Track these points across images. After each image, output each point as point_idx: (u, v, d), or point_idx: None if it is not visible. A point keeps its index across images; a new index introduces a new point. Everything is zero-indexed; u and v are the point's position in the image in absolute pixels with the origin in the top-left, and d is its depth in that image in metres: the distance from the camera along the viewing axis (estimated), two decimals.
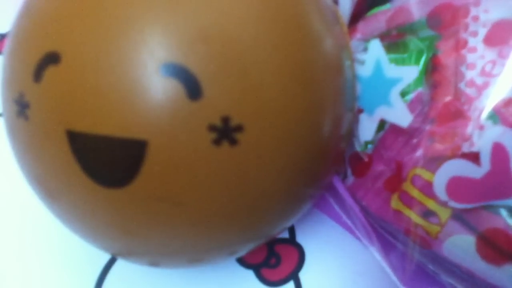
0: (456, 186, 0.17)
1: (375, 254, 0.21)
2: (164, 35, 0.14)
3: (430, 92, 0.18)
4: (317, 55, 0.16)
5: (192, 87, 0.14)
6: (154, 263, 0.19)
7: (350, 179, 0.21)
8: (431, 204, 0.18)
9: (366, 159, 0.20)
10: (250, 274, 0.25)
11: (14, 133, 0.17)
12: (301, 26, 0.16)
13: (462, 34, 0.17)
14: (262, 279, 0.25)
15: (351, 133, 0.20)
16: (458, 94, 0.17)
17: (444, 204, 0.18)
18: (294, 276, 0.25)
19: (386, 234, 0.21)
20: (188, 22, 0.14)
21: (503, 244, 0.17)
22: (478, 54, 0.17)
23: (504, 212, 0.17)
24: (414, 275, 0.20)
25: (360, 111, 0.19)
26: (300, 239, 0.26)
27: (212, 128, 0.14)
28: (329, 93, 0.16)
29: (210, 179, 0.14)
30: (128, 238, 0.16)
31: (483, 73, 0.17)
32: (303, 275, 0.25)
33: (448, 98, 0.17)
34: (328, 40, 0.17)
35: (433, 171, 0.17)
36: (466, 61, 0.17)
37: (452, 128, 0.17)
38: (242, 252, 0.20)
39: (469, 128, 0.17)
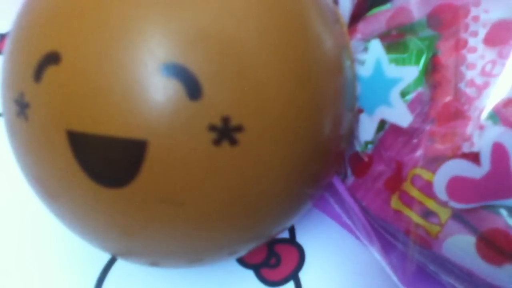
0: (456, 186, 0.17)
1: (375, 254, 0.21)
2: (165, 35, 0.14)
3: (430, 92, 0.18)
4: (317, 55, 0.16)
5: (192, 87, 0.14)
6: (154, 263, 0.19)
7: (350, 179, 0.21)
8: (431, 204, 0.18)
9: (366, 159, 0.20)
10: (250, 274, 0.25)
11: (14, 133, 0.17)
12: (301, 26, 0.16)
13: (462, 34, 0.17)
14: (262, 279, 0.25)
15: (351, 133, 0.20)
16: (458, 94, 0.17)
17: (444, 204, 0.18)
18: (294, 276, 0.25)
19: (386, 234, 0.21)
20: (188, 22, 0.14)
21: (503, 244, 0.17)
22: (478, 54, 0.17)
23: (504, 212, 0.17)
24: (414, 275, 0.20)
25: (360, 111, 0.19)
26: (300, 239, 0.26)
27: (212, 128, 0.14)
28: (329, 93, 0.16)
29: (210, 179, 0.14)
30: (128, 238, 0.16)
31: (483, 73, 0.17)
32: (303, 275, 0.25)
33: (448, 98, 0.17)
34: (328, 40, 0.17)
35: (433, 171, 0.17)
36: (466, 61, 0.17)
37: (452, 128, 0.17)
38: (242, 252, 0.20)
39: (469, 128, 0.17)
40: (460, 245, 0.18)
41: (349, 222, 0.23)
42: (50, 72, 0.15)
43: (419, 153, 0.18)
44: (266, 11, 0.15)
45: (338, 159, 0.19)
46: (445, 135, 0.17)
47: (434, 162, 0.17)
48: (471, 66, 0.17)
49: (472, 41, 0.17)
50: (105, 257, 0.25)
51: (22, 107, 0.16)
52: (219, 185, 0.15)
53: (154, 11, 0.14)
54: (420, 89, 0.18)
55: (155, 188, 0.14)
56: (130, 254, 0.18)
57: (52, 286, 0.25)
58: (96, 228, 0.17)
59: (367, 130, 0.19)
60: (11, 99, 0.16)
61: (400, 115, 0.18)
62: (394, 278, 0.21)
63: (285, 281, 0.25)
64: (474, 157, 0.16)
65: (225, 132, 0.14)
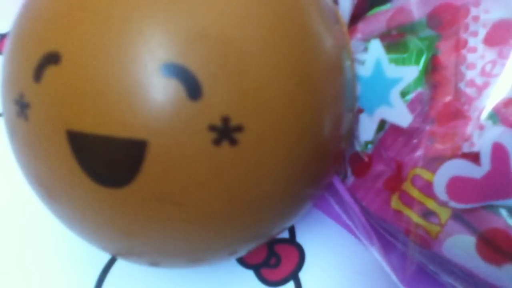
0: (456, 186, 0.17)
1: (375, 254, 0.21)
2: (164, 35, 0.14)
3: (430, 92, 0.18)
4: (317, 55, 0.16)
5: (192, 87, 0.14)
6: (154, 263, 0.19)
7: (350, 179, 0.21)
8: (431, 204, 0.18)
9: (366, 159, 0.20)
10: (250, 274, 0.25)
11: (14, 133, 0.17)
12: (301, 26, 0.16)
13: (462, 34, 0.17)
14: (262, 279, 0.25)
15: (351, 133, 0.20)
16: (458, 94, 0.17)
17: (444, 204, 0.18)
18: (294, 276, 0.25)
19: (386, 234, 0.21)
20: (188, 22, 0.14)
21: (503, 244, 0.17)
22: (478, 54, 0.17)
23: (504, 212, 0.17)
24: (414, 275, 0.20)
25: (360, 111, 0.19)
26: (300, 239, 0.26)
27: (212, 128, 0.14)
28: (329, 93, 0.16)
29: (210, 179, 0.14)
30: (128, 238, 0.16)
31: (483, 73, 0.17)
32: (303, 275, 0.25)
33: (448, 98, 0.17)
34: (328, 40, 0.17)
35: (433, 171, 0.17)
36: (466, 61, 0.17)
37: (452, 128, 0.17)
38: (242, 252, 0.20)
39: (469, 128, 0.17)
40: (460, 245, 0.18)
41: (349, 222, 0.23)
42: (50, 72, 0.15)
43: (419, 153, 0.18)
44: (266, 11, 0.15)
45: (338, 159, 0.19)
46: (445, 135, 0.17)
47: (434, 162, 0.17)
48: (471, 66, 0.17)
49: (472, 41, 0.17)
50: (105, 257, 0.25)
51: (22, 107, 0.16)
52: (219, 185, 0.15)
53: (154, 11, 0.14)
54: (420, 89, 0.18)
55: (155, 188, 0.14)
56: (130, 254, 0.18)
57: (52, 286, 0.25)
58: (96, 228, 0.17)
59: (367, 130, 0.19)
60: (11, 99, 0.16)
61: (400, 115, 0.18)
62: (394, 278, 0.21)
63: (285, 281, 0.25)
64: (474, 157, 0.16)
65: (225, 132, 0.14)
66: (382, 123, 0.19)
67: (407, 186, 0.19)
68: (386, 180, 0.20)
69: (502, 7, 0.17)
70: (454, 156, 0.17)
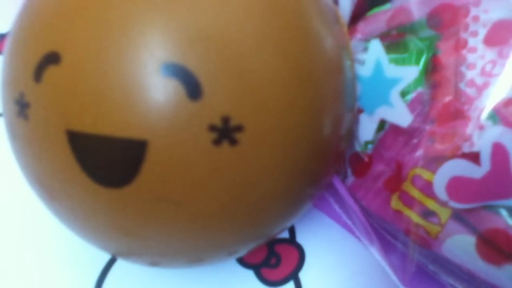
0: (456, 186, 0.17)
1: (375, 254, 0.21)
2: (164, 35, 0.14)
3: (430, 92, 0.18)
4: (317, 55, 0.16)
5: (192, 87, 0.14)
6: (154, 263, 0.19)
7: (350, 179, 0.21)
8: (431, 204, 0.18)
9: (366, 159, 0.20)
10: (250, 274, 0.25)
11: (14, 133, 0.17)
12: (301, 26, 0.16)
13: (462, 34, 0.17)
14: (262, 279, 0.25)
15: (351, 133, 0.20)
16: (458, 94, 0.17)
17: (444, 204, 0.18)
18: (294, 276, 0.25)
19: (386, 234, 0.21)
20: (188, 22, 0.14)
21: (503, 244, 0.17)
22: (478, 54, 0.17)
23: (504, 212, 0.17)
24: (414, 275, 0.20)
25: (360, 111, 0.19)
26: (300, 239, 0.26)
27: (212, 128, 0.14)
28: (329, 93, 0.16)
29: (210, 179, 0.14)
30: (128, 238, 0.16)
31: (483, 73, 0.17)
32: (303, 275, 0.25)
33: (448, 98, 0.17)
34: (328, 40, 0.17)
35: (433, 171, 0.17)
36: (466, 61, 0.17)
37: (452, 128, 0.17)
38: (242, 252, 0.20)
39: (469, 128, 0.17)
40: (460, 245, 0.18)
41: (349, 222, 0.23)
42: (50, 72, 0.15)
43: (419, 153, 0.18)
44: (266, 11, 0.15)
45: (338, 159, 0.19)
46: (445, 135, 0.17)
47: (434, 162, 0.17)
48: (471, 66, 0.17)
49: (472, 41, 0.17)
50: (105, 257, 0.25)
51: (22, 107, 0.16)
52: (219, 185, 0.15)
53: (154, 11, 0.14)
54: (420, 89, 0.18)
55: (155, 188, 0.14)
56: (130, 254, 0.18)
57: (52, 286, 0.25)
58: (96, 228, 0.17)
59: (367, 130, 0.19)
60: (11, 99, 0.16)
61: (400, 115, 0.18)
62: (394, 278, 0.21)
63: (285, 281, 0.25)
64: (474, 157, 0.16)
65: (225, 132, 0.14)
66: (382, 123, 0.19)
67: (407, 186, 0.19)
68: (386, 180, 0.20)
69: (502, 7, 0.17)
70: (454, 156, 0.17)
